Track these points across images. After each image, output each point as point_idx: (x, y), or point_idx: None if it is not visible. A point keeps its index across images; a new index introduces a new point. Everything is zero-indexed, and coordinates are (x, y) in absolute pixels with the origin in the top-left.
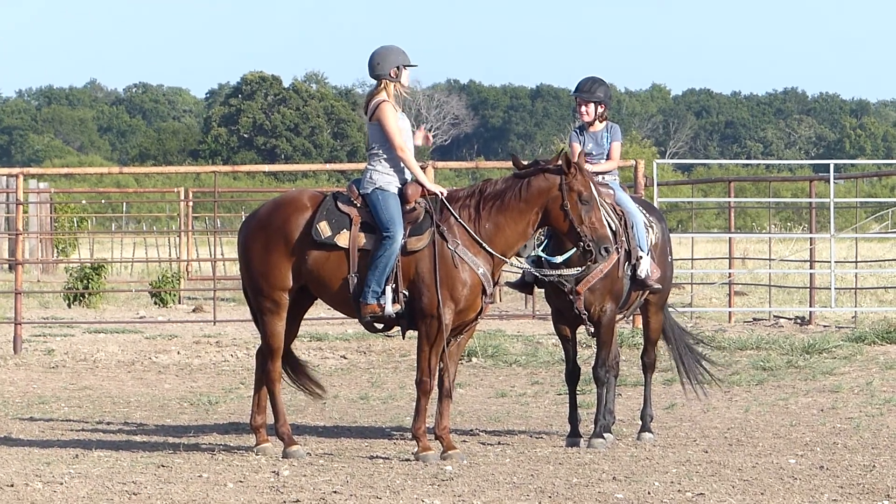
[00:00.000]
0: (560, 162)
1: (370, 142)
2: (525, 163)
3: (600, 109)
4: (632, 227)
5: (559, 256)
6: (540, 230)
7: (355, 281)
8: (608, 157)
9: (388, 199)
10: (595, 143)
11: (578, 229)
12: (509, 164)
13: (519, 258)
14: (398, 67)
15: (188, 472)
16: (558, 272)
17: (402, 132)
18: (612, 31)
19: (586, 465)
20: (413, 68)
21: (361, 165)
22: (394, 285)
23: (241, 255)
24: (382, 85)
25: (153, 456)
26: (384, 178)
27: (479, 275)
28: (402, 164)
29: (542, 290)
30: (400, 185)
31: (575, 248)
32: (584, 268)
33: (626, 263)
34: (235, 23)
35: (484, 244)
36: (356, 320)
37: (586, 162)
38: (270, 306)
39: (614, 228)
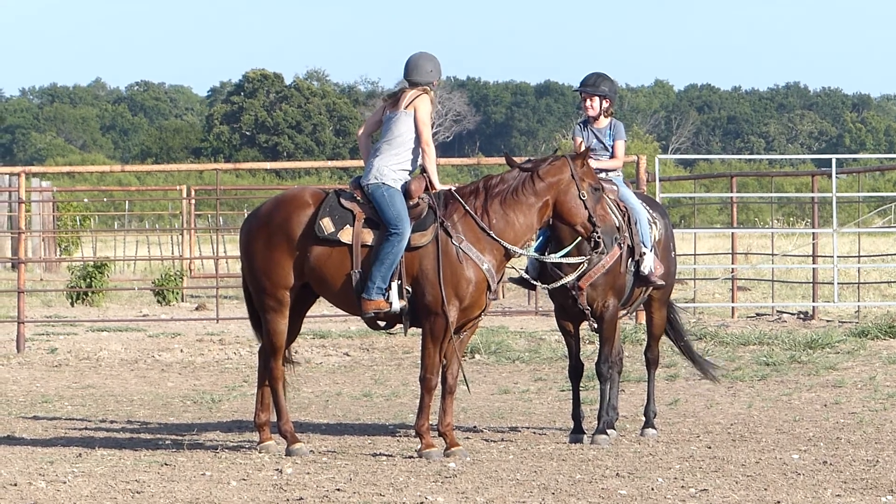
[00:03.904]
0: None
1: (389, 132)
2: (520, 161)
3: (605, 104)
4: (635, 224)
5: (554, 255)
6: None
7: (358, 277)
8: (612, 156)
9: (393, 196)
10: (598, 139)
11: (595, 218)
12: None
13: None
14: (439, 78)
15: (191, 470)
16: (562, 261)
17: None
18: (616, 27)
19: (590, 461)
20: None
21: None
22: (399, 281)
23: (243, 253)
24: (425, 90)
25: (156, 454)
26: (391, 173)
27: (483, 271)
28: (409, 163)
29: (546, 286)
30: (405, 181)
31: (573, 244)
32: (590, 258)
33: (630, 259)
34: (237, 21)
35: (495, 237)
36: (359, 318)
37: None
38: (273, 304)
39: (618, 224)
